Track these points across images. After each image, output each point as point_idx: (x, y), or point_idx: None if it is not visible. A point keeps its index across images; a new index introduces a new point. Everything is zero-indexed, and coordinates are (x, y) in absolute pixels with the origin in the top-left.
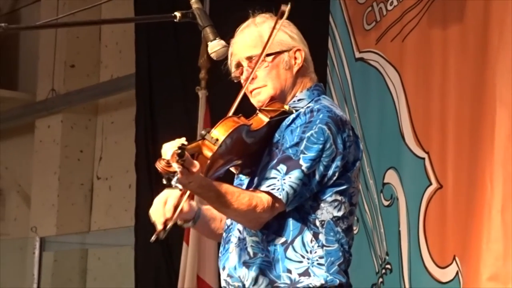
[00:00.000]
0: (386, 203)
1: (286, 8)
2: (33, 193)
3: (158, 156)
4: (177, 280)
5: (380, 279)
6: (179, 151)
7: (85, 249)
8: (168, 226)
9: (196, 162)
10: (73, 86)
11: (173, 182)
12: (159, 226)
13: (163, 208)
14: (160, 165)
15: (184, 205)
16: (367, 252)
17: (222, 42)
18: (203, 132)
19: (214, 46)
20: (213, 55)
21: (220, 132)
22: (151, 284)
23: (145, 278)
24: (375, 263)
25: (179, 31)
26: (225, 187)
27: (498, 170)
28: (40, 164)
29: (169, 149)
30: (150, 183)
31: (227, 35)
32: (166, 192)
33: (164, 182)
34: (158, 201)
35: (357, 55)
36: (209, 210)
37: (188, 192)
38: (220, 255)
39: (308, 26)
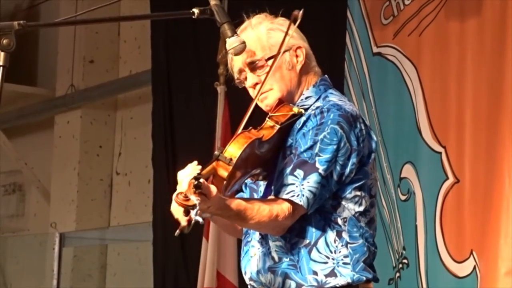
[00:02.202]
0: (403, 197)
1: (299, 14)
2: (53, 188)
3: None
4: (196, 276)
5: (397, 274)
6: (195, 181)
7: (104, 244)
8: (192, 222)
9: (213, 187)
10: (92, 82)
11: (192, 215)
12: (183, 223)
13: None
14: (178, 200)
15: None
16: (385, 247)
17: (240, 39)
18: (216, 152)
19: (232, 43)
20: (231, 52)
21: (233, 151)
22: (171, 279)
23: (165, 274)
24: (392, 258)
25: (198, 26)
26: (243, 204)
27: None
28: (60, 159)
29: (184, 179)
30: (168, 179)
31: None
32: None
33: (184, 215)
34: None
35: (375, 49)
36: None
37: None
38: (241, 258)
39: (326, 21)
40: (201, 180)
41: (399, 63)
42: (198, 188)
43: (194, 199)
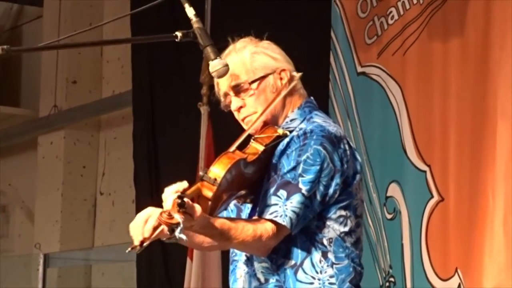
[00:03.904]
0: (389, 216)
1: None
2: (37, 209)
3: (160, 172)
4: None
5: None
6: (179, 200)
7: (89, 265)
8: (144, 245)
9: (197, 207)
10: (75, 102)
11: (176, 233)
12: (136, 243)
13: (142, 226)
14: (162, 219)
15: (164, 226)
16: (371, 266)
17: (223, 61)
18: (201, 173)
19: (215, 66)
20: (214, 74)
21: (218, 171)
22: None
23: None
24: (379, 276)
25: (180, 46)
26: (228, 223)
27: (499, 183)
28: (43, 180)
29: (169, 197)
30: (151, 199)
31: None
32: (149, 210)
33: (168, 233)
34: (139, 217)
35: (359, 69)
36: None
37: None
38: (229, 277)
39: (310, 42)
40: (185, 199)
41: (384, 83)
42: (181, 206)
43: (178, 218)
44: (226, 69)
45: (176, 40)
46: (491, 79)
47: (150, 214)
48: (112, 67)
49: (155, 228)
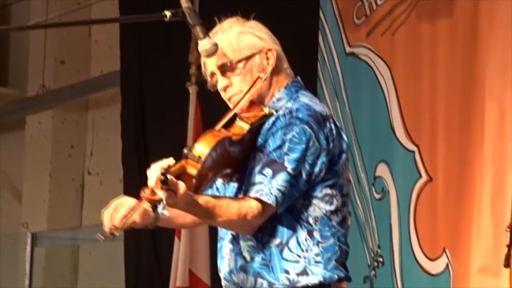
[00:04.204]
0: (377, 196)
1: None
2: (25, 189)
3: (148, 152)
4: (168, 275)
5: (373, 272)
6: (162, 177)
7: (76, 244)
8: (115, 234)
9: (181, 184)
10: (63, 82)
11: (159, 210)
12: (106, 229)
13: (112, 215)
14: (145, 195)
15: (135, 217)
16: (360, 245)
17: (212, 41)
18: (185, 150)
19: (204, 45)
20: (203, 54)
21: (202, 149)
22: (143, 279)
23: (137, 273)
24: (367, 256)
25: (169, 25)
26: (212, 201)
27: (487, 163)
28: (31, 160)
29: (153, 174)
30: (138, 179)
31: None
32: (122, 200)
33: (151, 209)
34: (112, 206)
35: (348, 49)
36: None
37: (141, 207)
38: (217, 256)
39: (298, 22)
40: (168, 175)
41: (372, 63)
42: (164, 183)
43: (161, 194)
44: (215, 48)
45: (165, 19)
46: (480, 60)
47: (122, 203)
48: (100, 47)
49: (124, 217)
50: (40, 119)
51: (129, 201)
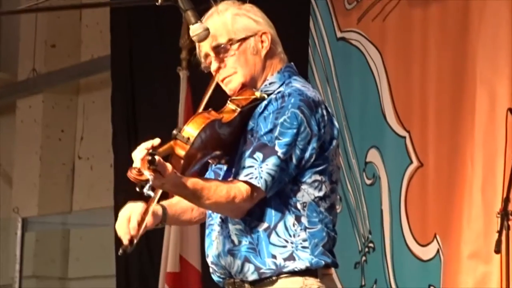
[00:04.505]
0: (368, 182)
1: None
2: (15, 173)
3: (138, 136)
4: (159, 261)
5: (364, 258)
6: (149, 157)
7: (67, 229)
8: (134, 242)
9: (168, 165)
10: (54, 66)
11: (145, 190)
12: (125, 242)
13: (127, 225)
14: (131, 175)
15: (148, 220)
16: (350, 231)
17: (204, 25)
18: (174, 132)
19: (196, 30)
20: (194, 38)
21: (191, 130)
22: (134, 264)
23: (127, 258)
24: (358, 242)
25: (160, 9)
26: (201, 183)
27: (478, 149)
28: (22, 144)
29: (139, 155)
30: (129, 164)
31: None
32: (129, 208)
33: (137, 189)
34: (122, 217)
35: (339, 34)
36: (177, 204)
37: (151, 208)
38: (205, 241)
39: (289, 6)
40: (156, 156)
41: (363, 48)
42: (152, 163)
43: (147, 174)
44: (206, 33)
45: (157, 3)
46: (470, 46)
47: (131, 211)
48: (91, 31)
49: (139, 224)
50: (31, 103)
51: (138, 208)
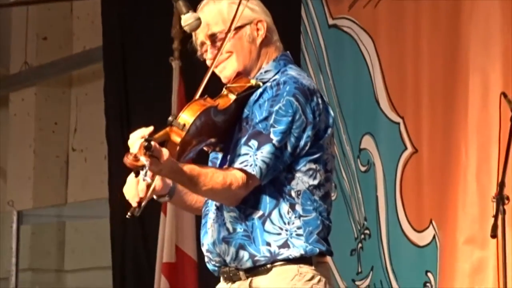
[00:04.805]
0: (363, 168)
1: None
2: (9, 166)
3: (131, 128)
4: (155, 251)
5: (359, 245)
6: (146, 143)
7: (62, 221)
8: (142, 204)
9: (165, 150)
10: (46, 59)
11: (141, 176)
12: (134, 204)
13: (136, 187)
14: (128, 160)
15: (157, 183)
16: (346, 218)
17: (195, 15)
18: (170, 118)
19: (187, 19)
20: (186, 28)
21: (187, 117)
22: (130, 255)
23: (123, 250)
24: (354, 229)
25: (151, 0)
26: (197, 169)
27: (472, 134)
28: (15, 137)
29: (135, 141)
30: (123, 155)
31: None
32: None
33: (134, 175)
34: (130, 181)
35: (330, 22)
36: None
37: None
38: (201, 230)
39: None
40: (152, 142)
41: (356, 35)
42: (148, 149)
43: (144, 160)
44: (198, 22)
45: None
46: (463, 31)
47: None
48: (82, 23)
49: (148, 186)
50: (23, 96)
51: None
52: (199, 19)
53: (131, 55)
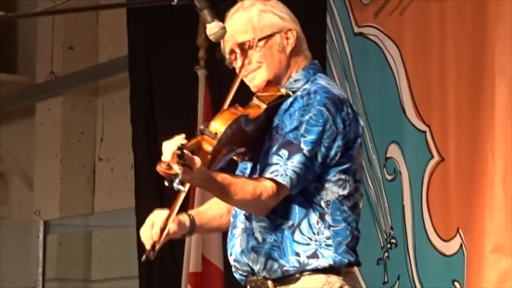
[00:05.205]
0: (389, 177)
1: None
2: (36, 176)
3: (158, 136)
4: (181, 261)
5: (386, 254)
6: (179, 152)
7: (89, 231)
8: (156, 248)
9: (197, 158)
10: (72, 68)
11: (175, 185)
12: (148, 247)
13: (150, 230)
14: (161, 169)
15: (171, 226)
16: (372, 227)
17: (220, 24)
18: (201, 126)
19: (212, 28)
20: (211, 37)
21: (218, 126)
22: (156, 265)
23: (149, 260)
24: (380, 238)
25: (177, 9)
26: (228, 179)
27: (499, 141)
28: (42, 147)
29: (168, 149)
30: (150, 164)
31: (224, 16)
32: (154, 214)
33: (166, 184)
34: (147, 223)
35: (356, 30)
36: (205, 212)
37: (173, 215)
38: (228, 240)
39: (305, 2)
40: (185, 150)
41: (381, 43)
42: (181, 158)
43: (177, 169)
44: (223, 31)
45: (172, 3)
46: (489, 37)
47: (155, 218)
48: (108, 32)
49: (162, 230)
50: (50, 105)
51: (162, 214)
52: (224, 28)
53: (156, 64)
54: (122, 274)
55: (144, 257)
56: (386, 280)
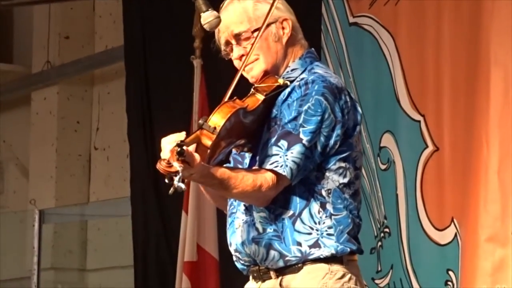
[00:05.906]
0: (383, 167)
1: None
2: (31, 165)
3: (153, 126)
4: (177, 250)
5: (379, 243)
6: (178, 149)
7: (84, 220)
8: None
9: (196, 155)
10: (68, 58)
11: (175, 182)
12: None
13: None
14: (161, 167)
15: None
16: (366, 216)
17: (215, 13)
18: (200, 121)
19: (207, 17)
20: (206, 27)
21: (217, 120)
22: (152, 254)
23: (145, 248)
24: (373, 228)
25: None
26: (228, 172)
27: (493, 131)
28: (37, 136)
29: (167, 146)
30: (145, 153)
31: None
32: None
33: (166, 181)
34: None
35: (351, 19)
36: None
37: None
38: (227, 228)
39: None
40: (184, 147)
41: (376, 33)
42: (180, 155)
43: (177, 166)
44: (218, 20)
45: None
46: (484, 27)
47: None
48: (104, 22)
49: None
50: (46, 95)
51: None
52: (218, 17)
53: (152, 54)
54: (117, 263)
55: (171, 190)
56: (379, 269)
